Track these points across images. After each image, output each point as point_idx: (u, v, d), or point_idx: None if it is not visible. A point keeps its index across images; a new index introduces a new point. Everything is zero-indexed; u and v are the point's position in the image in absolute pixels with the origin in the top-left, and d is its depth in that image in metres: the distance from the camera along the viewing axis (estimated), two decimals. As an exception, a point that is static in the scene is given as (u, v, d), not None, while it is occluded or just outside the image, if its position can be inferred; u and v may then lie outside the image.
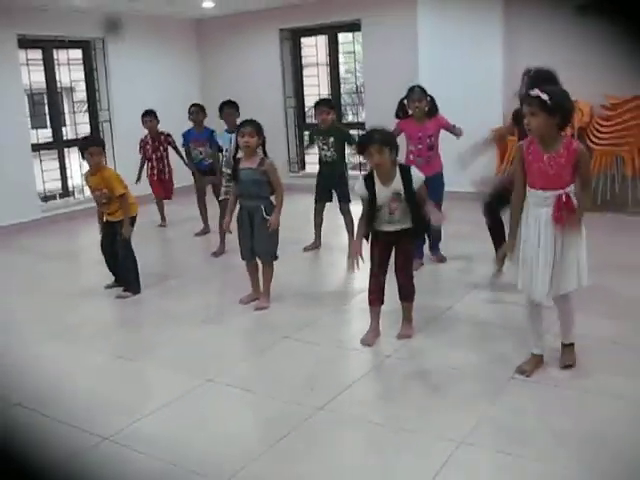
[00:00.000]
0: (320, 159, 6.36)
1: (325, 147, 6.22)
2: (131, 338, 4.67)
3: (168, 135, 7.77)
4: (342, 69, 10.27)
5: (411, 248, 4.22)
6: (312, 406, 3.37)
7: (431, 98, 5.53)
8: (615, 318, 4.36)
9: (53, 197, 9.30)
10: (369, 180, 3.99)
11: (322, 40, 9.95)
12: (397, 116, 5.60)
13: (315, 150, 6.60)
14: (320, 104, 6.30)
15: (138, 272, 5.39)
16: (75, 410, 3.47)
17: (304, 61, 10.28)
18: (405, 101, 5.53)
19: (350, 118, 10.80)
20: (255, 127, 4.68)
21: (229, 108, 6.47)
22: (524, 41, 7.95)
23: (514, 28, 8.01)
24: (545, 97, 3.25)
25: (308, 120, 10.36)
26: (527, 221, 3.44)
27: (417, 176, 3.95)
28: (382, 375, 3.86)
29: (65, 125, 9.40)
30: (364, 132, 4.16)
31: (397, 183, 3.94)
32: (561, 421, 3.15)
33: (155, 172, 7.82)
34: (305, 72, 10.30)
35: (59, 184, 9.27)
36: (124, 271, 5.36)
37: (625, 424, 3.10)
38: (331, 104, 6.40)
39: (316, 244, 6.53)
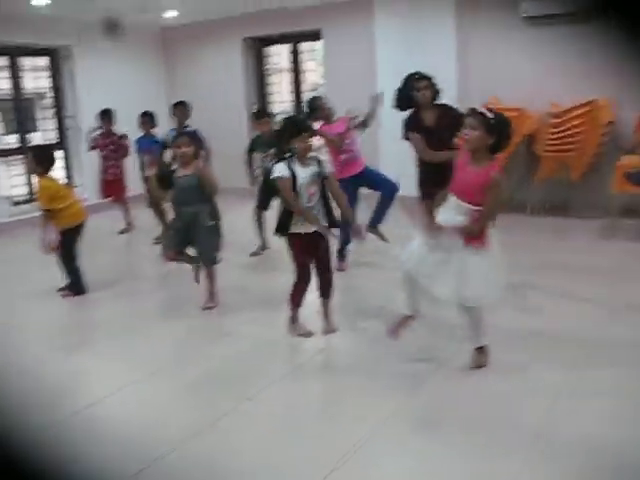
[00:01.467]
0: (263, 168, 6.29)
1: (268, 158, 6.21)
2: (79, 334, 4.87)
3: (122, 136, 7.88)
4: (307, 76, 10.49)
5: (328, 244, 4.38)
6: (242, 397, 3.59)
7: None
8: (544, 313, 4.62)
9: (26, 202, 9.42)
10: (287, 163, 4.16)
11: (285, 48, 10.17)
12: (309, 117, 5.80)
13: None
14: (259, 114, 6.41)
15: (80, 274, 5.55)
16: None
17: (268, 69, 10.48)
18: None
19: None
20: (190, 138, 4.96)
21: (180, 107, 6.94)
22: (476, 46, 8.24)
23: (466, 34, 8.28)
24: (490, 115, 3.47)
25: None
26: (442, 216, 3.64)
27: (327, 164, 4.28)
28: (310, 368, 4.07)
29: (35, 131, 9.53)
30: (293, 117, 4.44)
31: (314, 167, 4.19)
32: (472, 409, 3.38)
33: (102, 170, 7.94)
34: (269, 80, 10.51)
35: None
36: (71, 273, 5.53)
37: (540, 412, 3.33)
38: (271, 114, 6.55)
39: (261, 249, 6.63)
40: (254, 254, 6.60)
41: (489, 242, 3.56)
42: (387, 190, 5.72)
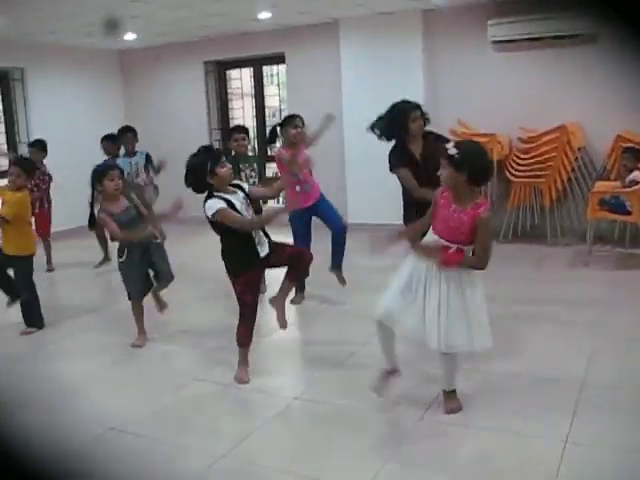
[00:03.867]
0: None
1: (253, 173, 6.00)
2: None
3: (46, 175, 7.38)
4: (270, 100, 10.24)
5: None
6: (216, 455, 3.24)
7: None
8: (522, 351, 4.37)
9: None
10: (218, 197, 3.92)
11: (247, 72, 9.91)
12: (269, 142, 5.77)
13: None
14: (237, 130, 6.09)
15: (40, 307, 5.26)
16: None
17: (230, 92, 10.21)
18: (278, 128, 5.56)
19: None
20: (119, 170, 4.83)
21: (129, 135, 6.91)
22: (444, 70, 8.10)
23: (434, 57, 8.16)
24: (453, 152, 3.22)
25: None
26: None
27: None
28: (288, 419, 3.74)
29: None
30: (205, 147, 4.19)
31: (240, 192, 4.00)
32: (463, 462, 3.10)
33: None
34: (231, 104, 10.24)
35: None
36: (28, 307, 5.21)
37: (515, 459, 3.06)
38: (247, 130, 6.21)
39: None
40: None
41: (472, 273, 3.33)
42: (336, 228, 5.56)
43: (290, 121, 5.52)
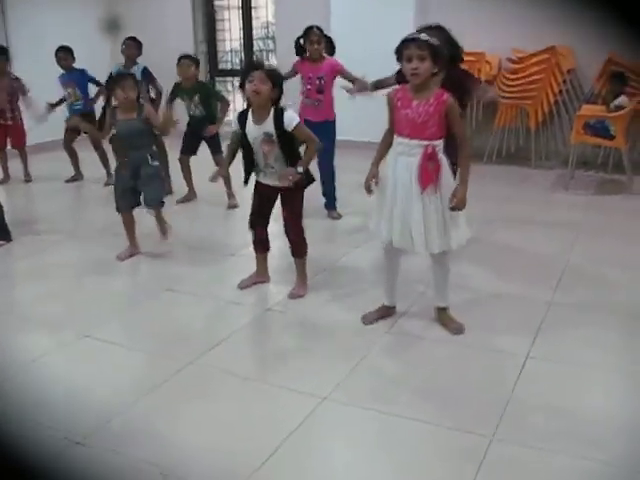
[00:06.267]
0: (189, 115, 6.03)
1: (192, 106, 5.94)
2: (5, 291, 4.45)
3: (15, 79, 7.17)
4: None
5: (297, 203, 4.01)
6: (184, 360, 3.31)
7: (328, 39, 5.35)
8: (502, 271, 4.42)
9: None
10: (242, 116, 3.85)
11: (234, -17, 9.60)
12: (298, 55, 5.45)
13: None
14: (184, 57, 5.92)
15: (5, 220, 5.21)
16: None
17: (217, 5, 9.92)
18: (301, 41, 5.33)
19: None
20: (135, 80, 4.62)
21: (129, 42, 6.58)
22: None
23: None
24: (435, 42, 3.19)
25: (221, 66, 10.08)
26: (391, 168, 3.38)
27: (289, 117, 3.75)
28: (258, 328, 3.81)
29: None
30: (247, 61, 4.03)
31: (269, 124, 3.77)
32: (428, 375, 3.18)
33: None
34: (218, 16, 9.95)
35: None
36: None
37: (490, 376, 3.14)
38: (194, 58, 6.08)
39: (189, 196, 6.30)
40: (180, 201, 6.25)
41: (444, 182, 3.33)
42: (325, 170, 5.40)
43: (307, 35, 5.28)
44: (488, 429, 2.69)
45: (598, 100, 6.98)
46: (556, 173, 7.03)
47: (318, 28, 5.27)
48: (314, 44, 5.24)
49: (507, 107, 7.41)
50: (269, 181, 3.94)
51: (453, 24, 7.47)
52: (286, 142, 3.79)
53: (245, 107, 3.90)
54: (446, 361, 3.30)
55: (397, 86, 3.52)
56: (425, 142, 3.25)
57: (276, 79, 3.74)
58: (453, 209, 3.31)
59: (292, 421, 2.78)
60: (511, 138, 7.66)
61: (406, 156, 3.31)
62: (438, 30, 3.66)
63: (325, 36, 5.33)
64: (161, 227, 4.91)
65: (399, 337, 3.54)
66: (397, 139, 3.35)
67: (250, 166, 3.97)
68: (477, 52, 7.17)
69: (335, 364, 3.26)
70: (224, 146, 5.39)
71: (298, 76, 5.46)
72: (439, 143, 3.29)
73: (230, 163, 4.10)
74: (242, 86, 3.77)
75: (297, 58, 5.45)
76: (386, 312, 3.71)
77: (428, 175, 3.26)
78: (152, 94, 6.71)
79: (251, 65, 3.83)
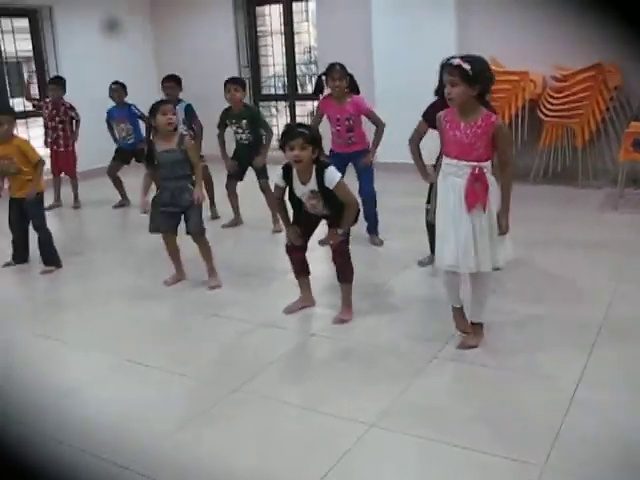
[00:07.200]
0: (236, 141, 6.07)
1: (240, 130, 5.96)
2: (54, 317, 4.52)
3: (70, 108, 7.51)
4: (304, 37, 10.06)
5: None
6: (229, 387, 3.31)
7: (351, 77, 5.27)
8: (549, 294, 4.34)
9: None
10: (287, 172, 3.88)
11: (277, 9, 9.73)
12: (315, 93, 5.47)
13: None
14: (230, 82, 5.95)
15: (54, 246, 5.34)
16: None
17: (260, 30, 10.06)
18: (324, 78, 5.29)
19: (309, 89, 10.62)
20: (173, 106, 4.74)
21: (168, 82, 6.56)
22: (477, 13, 7.81)
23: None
24: (467, 67, 3.19)
25: (265, 91, 10.20)
26: (443, 190, 3.39)
27: (330, 177, 3.77)
28: (303, 354, 3.80)
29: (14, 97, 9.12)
30: (286, 126, 4.01)
31: (313, 183, 3.82)
32: (477, 402, 3.12)
33: (50, 142, 7.55)
34: (261, 42, 10.09)
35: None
36: (45, 246, 5.29)
37: (540, 402, 3.07)
38: (241, 81, 6.09)
39: (235, 221, 6.35)
40: (227, 226, 6.33)
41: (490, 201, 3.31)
42: (365, 194, 5.32)
43: (329, 72, 5.24)
44: (540, 458, 2.62)
45: (647, 117, 6.84)
46: (605, 192, 6.89)
47: (340, 65, 5.22)
48: (335, 81, 5.18)
49: (553, 126, 7.31)
50: (313, 212, 3.97)
51: (495, 42, 7.58)
52: (330, 196, 3.83)
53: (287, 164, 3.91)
54: (494, 387, 3.23)
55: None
56: (473, 163, 3.24)
57: (315, 142, 3.77)
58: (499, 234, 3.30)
59: (339, 449, 2.75)
60: (558, 157, 7.53)
61: (453, 176, 3.32)
62: (476, 58, 3.58)
63: (347, 74, 5.25)
64: (208, 268, 4.80)
65: (446, 362, 3.48)
66: (445, 160, 3.37)
67: (298, 214, 4.02)
68: (521, 71, 7.10)
69: (382, 390, 3.22)
70: (271, 174, 5.49)
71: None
72: (486, 164, 3.28)
73: (286, 217, 4.08)
74: (282, 148, 3.80)
75: (320, 97, 5.46)
76: (461, 313, 3.67)
77: (475, 195, 3.26)
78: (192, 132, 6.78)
79: (290, 133, 3.78)
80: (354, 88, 5.31)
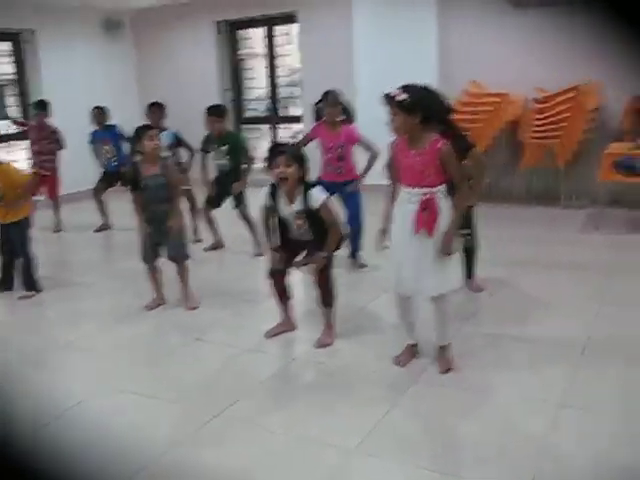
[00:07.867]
0: (216, 167, 6.06)
1: (219, 155, 5.96)
2: (34, 341, 4.45)
3: (54, 131, 7.50)
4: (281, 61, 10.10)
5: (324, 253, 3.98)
6: (210, 413, 3.27)
7: (344, 106, 5.29)
8: (531, 316, 4.34)
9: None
10: (273, 192, 3.88)
11: (259, 32, 9.78)
12: (316, 121, 5.42)
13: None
14: (208, 113, 5.96)
15: (35, 272, 5.28)
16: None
17: (242, 53, 10.10)
18: (319, 104, 5.31)
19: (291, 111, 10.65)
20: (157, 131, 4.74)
21: (153, 108, 6.64)
22: (458, 38, 7.89)
23: (447, 17, 7.94)
24: (402, 97, 3.22)
25: (248, 114, 10.21)
26: (396, 217, 3.44)
27: (316, 196, 3.78)
28: (285, 378, 3.76)
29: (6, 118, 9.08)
30: (271, 144, 4.01)
31: (299, 203, 3.82)
32: (459, 426, 3.10)
33: (35, 164, 7.45)
34: (244, 65, 10.13)
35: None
36: (26, 271, 5.23)
37: (523, 427, 3.05)
38: (219, 111, 6.08)
39: (215, 244, 6.34)
40: (208, 249, 6.32)
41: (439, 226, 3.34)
42: (352, 224, 5.26)
43: (325, 99, 5.25)
44: (522, 483, 2.61)
45: (626, 137, 6.90)
46: (586, 212, 6.94)
47: (336, 92, 5.25)
48: (330, 107, 5.20)
49: (534, 147, 7.37)
50: (298, 237, 3.97)
51: (477, 66, 7.66)
52: (315, 220, 3.83)
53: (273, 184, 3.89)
54: (476, 411, 3.22)
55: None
56: (425, 190, 3.28)
57: (300, 159, 3.78)
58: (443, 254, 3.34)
59: (322, 475, 2.73)
60: (539, 178, 7.59)
61: (407, 203, 3.36)
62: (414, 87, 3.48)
63: (341, 103, 5.27)
64: (186, 292, 4.82)
65: (428, 387, 3.46)
66: (402, 187, 3.41)
67: (282, 238, 4.01)
68: (501, 93, 7.17)
69: (362, 415, 3.19)
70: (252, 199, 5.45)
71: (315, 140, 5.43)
72: (438, 189, 3.32)
73: (270, 240, 4.05)
74: (268, 167, 3.80)
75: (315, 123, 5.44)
76: (411, 351, 3.70)
77: (422, 222, 3.31)
78: (182, 158, 6.77)
79: (274, 151, 3.81)
80: (348, 116, 5.32)
